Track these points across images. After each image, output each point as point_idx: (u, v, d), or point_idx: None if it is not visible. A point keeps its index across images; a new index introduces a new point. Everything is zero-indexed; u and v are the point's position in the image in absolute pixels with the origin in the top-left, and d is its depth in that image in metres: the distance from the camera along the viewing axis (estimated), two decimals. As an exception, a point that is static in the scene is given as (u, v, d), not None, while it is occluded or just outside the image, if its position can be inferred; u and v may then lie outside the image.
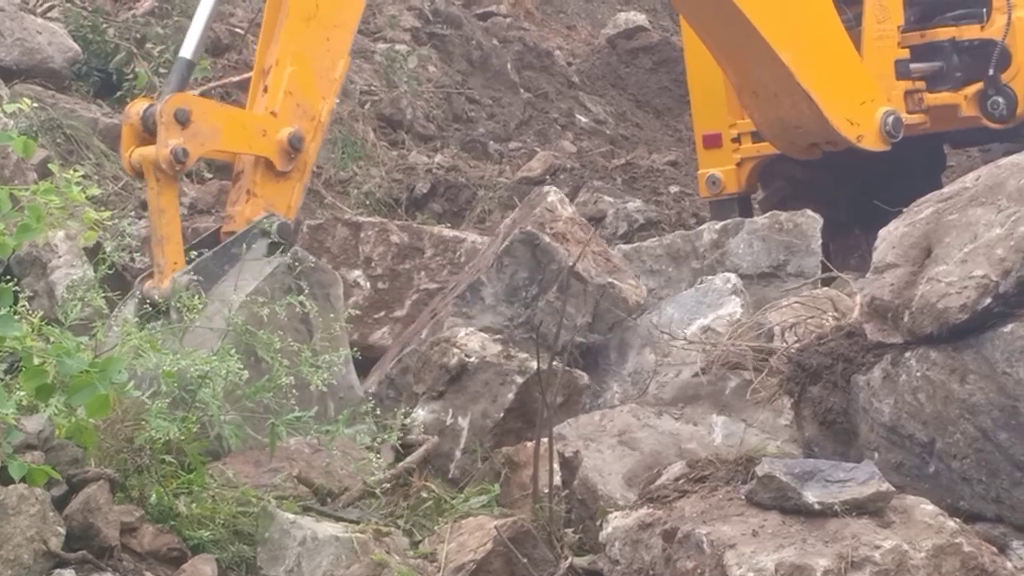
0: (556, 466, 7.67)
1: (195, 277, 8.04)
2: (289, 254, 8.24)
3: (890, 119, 12.34)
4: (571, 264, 8.71)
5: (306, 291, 8.13)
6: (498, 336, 8.52)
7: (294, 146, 8.69)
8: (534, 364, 8.17)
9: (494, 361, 8.29)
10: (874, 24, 12.74)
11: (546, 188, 9.47)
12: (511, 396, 8.22)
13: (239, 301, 7.91)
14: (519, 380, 8.28)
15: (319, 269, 8.40)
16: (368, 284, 9.84)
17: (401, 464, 7.85)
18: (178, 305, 7.84)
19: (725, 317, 9.44)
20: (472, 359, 8.29)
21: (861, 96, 12.34)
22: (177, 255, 8.29)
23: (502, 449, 8.06)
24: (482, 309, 8.85)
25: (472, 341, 8.44)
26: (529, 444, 7.76)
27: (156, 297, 8.17)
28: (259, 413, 7.55)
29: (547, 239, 8.87)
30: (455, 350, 8.34)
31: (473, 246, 10.70)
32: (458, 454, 8.09)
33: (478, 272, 9.22)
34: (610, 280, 8.95)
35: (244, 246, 8.24)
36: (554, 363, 7.93)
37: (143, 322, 7.95)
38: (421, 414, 8.19)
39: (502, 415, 8.14)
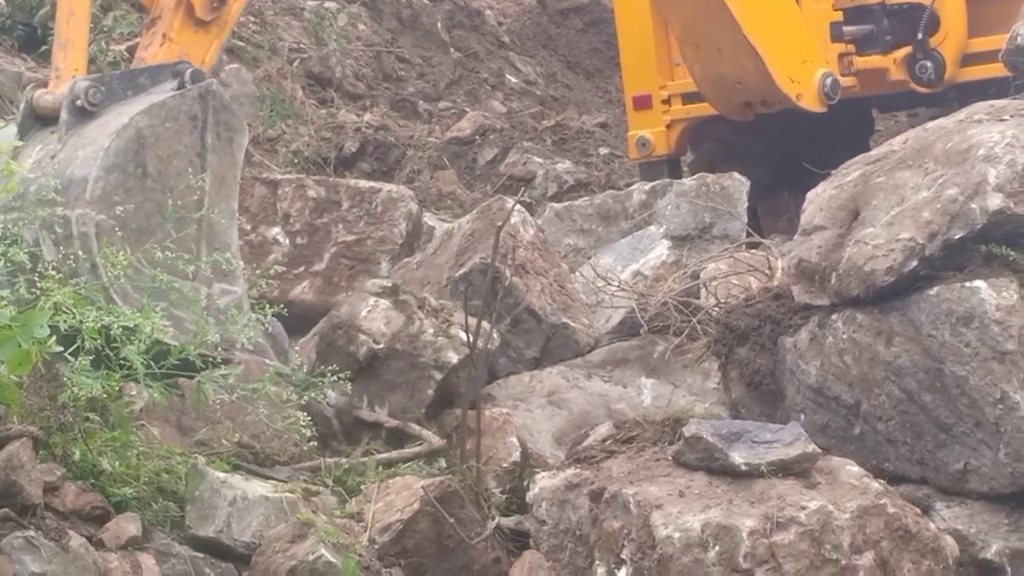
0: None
1: (97, 84, 7.78)
2: (204, 84, 7.97)
3: (828, 80, 12.35)
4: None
5: (210, 127, 7.89)
6: (405, 297, 8.35)
7: None
8: (449, 354, 8.07)
9: (406, 349, 8.12)
10: None
11: (509, 203, 9.19)
12: (431, 392, 8.08)
13: (142, 107, 7.67)
14: (438, 376, 8.10)
15: (230, 111, 8.10)
16: (287, 240, 9.75)
17: (388, 455, 7.77)
18: (76, 105, 7.61)
19: (653, 260, 9.49)
20: (381, 346, 8.10)
21: (802, 55, 12.34)
22: (80, 61, 8.00)
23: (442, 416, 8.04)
24: None
25: (376, 320, 8.19)
26: (487, 412, 7.75)
27: (48, 102, 7.87)
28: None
29: (508, 273, 8.72)
30: (362, 337, 8.11)
31: (389, 196, 10.61)
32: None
33: (430, 285, 8.98)
34: (564, 320, 8.88)
35: (153, 79, 7.96)
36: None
37: (25, 133, 7.78)
38: (332, 395, 8.06)
39: (423, 411, 8.06)
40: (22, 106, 8.02)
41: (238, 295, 7.87)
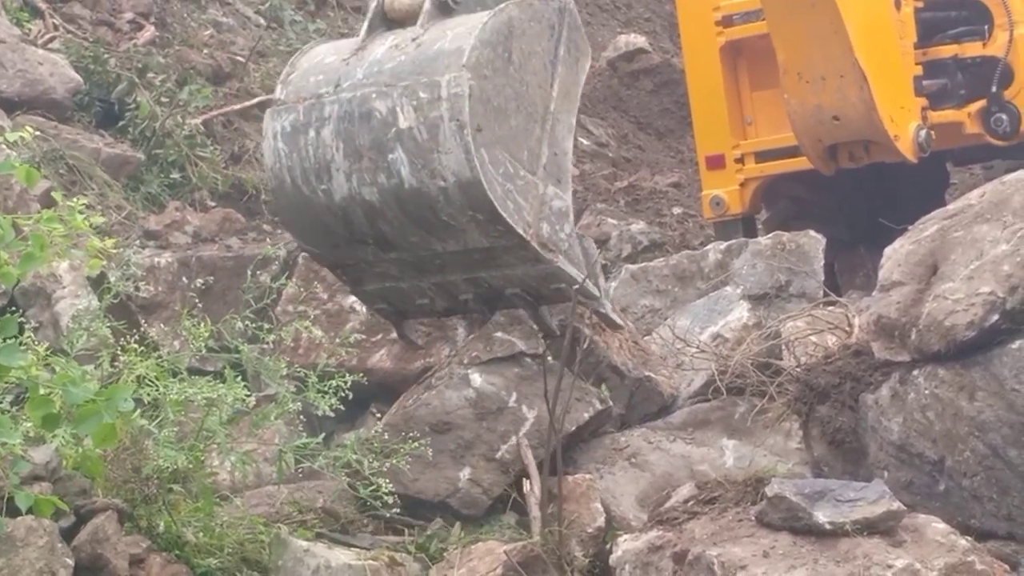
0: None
1: None
2: (563, 0, 8.38)
3: (923, 133, 12.30)
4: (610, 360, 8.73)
5: (563, 40, 8.27)
6: None
7: None
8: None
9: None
10: (898, 39, 12.67)
11: None
12: (587, 416, 8.26)
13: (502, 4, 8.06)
14: (599, 406, 8.34)
15: (580, 33, 8.49)
16: (363, 309, 9.76)
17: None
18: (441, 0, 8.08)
19: (733, 322, 9.46)
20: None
21: (901, 100, 12.27)
22: None
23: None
24: None
25: None
26: (570, 478, 7.74)
27: (403, 5, 8.28)
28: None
29: (588, 332, 8.73)
30: None
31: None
32: (513, 439, 8.07)
33: None
34: (647, 374, 8.91)
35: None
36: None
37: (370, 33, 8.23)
38: (477, 379, 8.18)
39: (574, 428, 8.13)
40: (372, 8, 8.39)
41: (566, 204, 8.19)
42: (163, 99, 14.01)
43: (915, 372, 7.33)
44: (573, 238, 8.17)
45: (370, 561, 7.08)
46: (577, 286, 8.04)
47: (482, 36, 7.82)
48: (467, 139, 7.64)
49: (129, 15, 15.78)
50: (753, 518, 6.83)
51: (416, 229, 7.98)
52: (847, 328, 8.67)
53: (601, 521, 7.63)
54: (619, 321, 8.42)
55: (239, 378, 7.35)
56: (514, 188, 7.85)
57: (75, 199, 6.95)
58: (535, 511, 7.63)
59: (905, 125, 12.21)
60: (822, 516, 6.61)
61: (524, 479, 7.91)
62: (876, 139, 12.13)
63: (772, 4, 11.94)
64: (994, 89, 12.85)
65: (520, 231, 7.84)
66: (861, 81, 11.69)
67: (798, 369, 8.25)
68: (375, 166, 7.90)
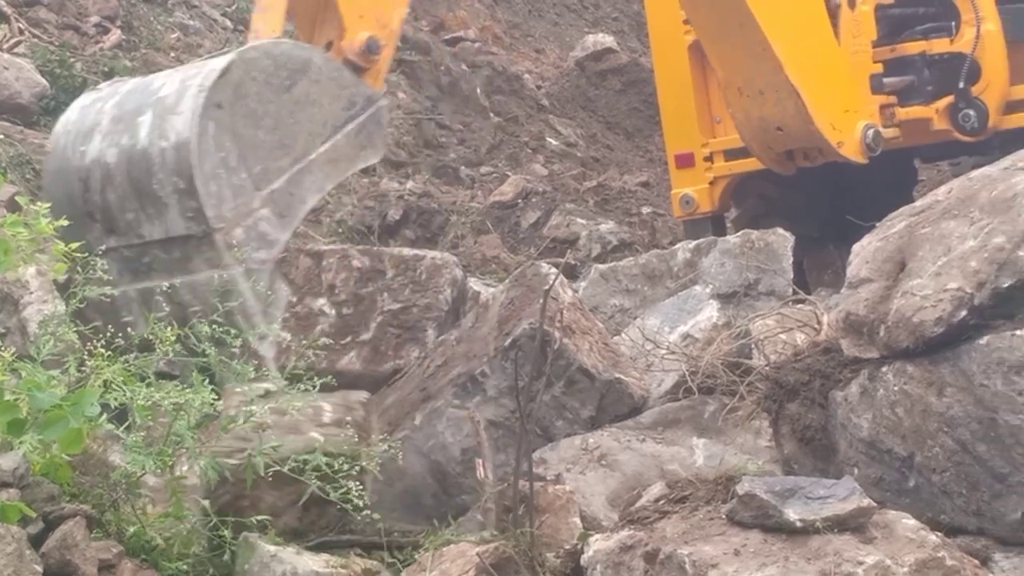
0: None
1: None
2: (378, 92, 8.59)
3: (870, 132, 12.35)
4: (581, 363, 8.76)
5: (358, 123, 8.42)
6: None
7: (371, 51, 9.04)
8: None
9: None
10: (850, 39, 12.74)
11: (544, 269, 9.28)
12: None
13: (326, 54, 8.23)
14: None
15: (380, 130, 8.63)
16: (333, 311, 9.72)
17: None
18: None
19: (703, 322, 9.46)
20: None
21: (845, 104, 12.34)
22: (276, 25, 8.58)
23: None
24: (483, 400, 8.71)
25: None
26: (550, 488, 7.71)
27: None
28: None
29: (558, 336, 8.73)
30: None
31: (433, 263, 10.60)
32: None
33: (477, 358, 9.03)
34: (617, 376, 8.90)
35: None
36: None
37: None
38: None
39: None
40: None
41: (277, 240, 8.23)
42: (130, 102, 13.96)
43: (884, 369, 7.33)
44: (266, 270, 8.09)
45: (339, 569, 7.04)
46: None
47: (270, 49, 8.01)
48: (199, 101, 7.71)
49: (95, 19, 15.77)
50: (724, 516, 6.82)
51: (133, 201, 7.96)
52: (816, 326, 8.68)
53: (579, 538, 7.58)
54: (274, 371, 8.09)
55: (207, 382, 7.32)
56: (226, 178, 7.84)
57: (40, 203, 6.91)
58: (490, 502, 7.61)
59: (850, 128, 12.28)
60: (792, 514, 6.61)
61: (476, 460, 7.89)
62: (819, 146, 12.23)
63: (703, 25, 12.07)
64: (961, 85, 12.93)
65: (210, 215, 7.78)
66: (794, 95, 11.79)
67: (767, 367, 8.25)
68: (125, 128, 8.01)
